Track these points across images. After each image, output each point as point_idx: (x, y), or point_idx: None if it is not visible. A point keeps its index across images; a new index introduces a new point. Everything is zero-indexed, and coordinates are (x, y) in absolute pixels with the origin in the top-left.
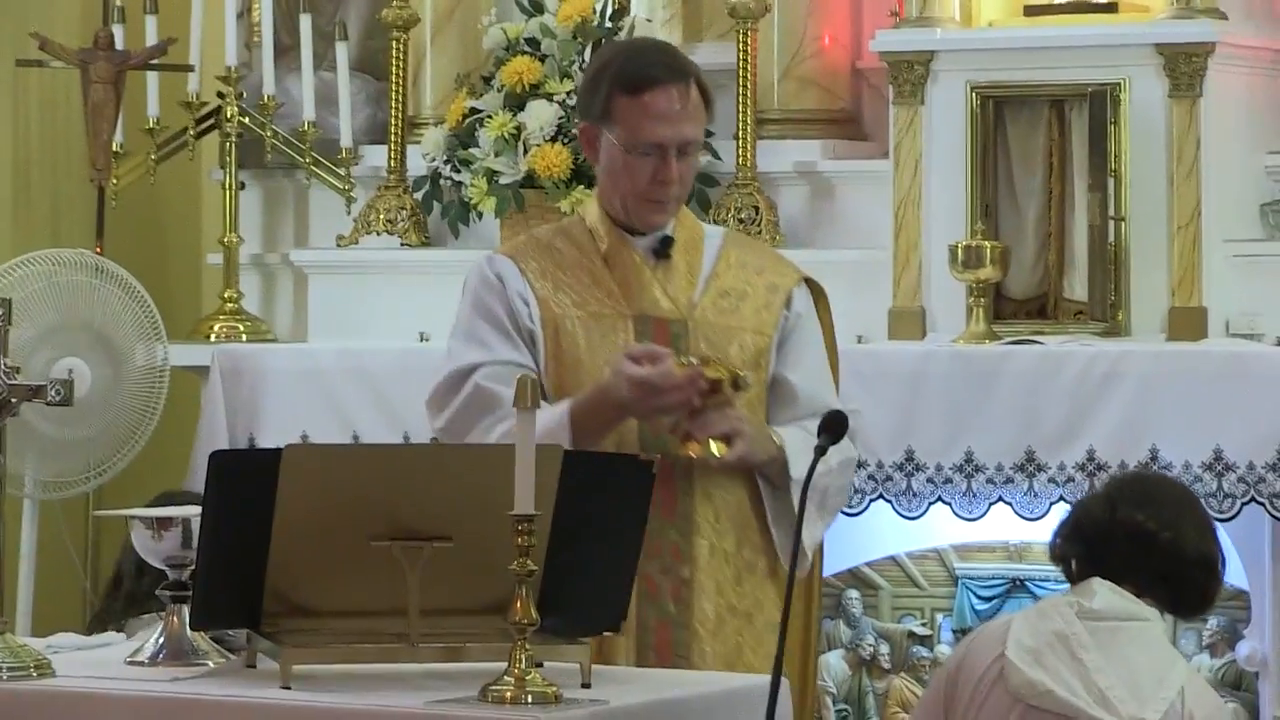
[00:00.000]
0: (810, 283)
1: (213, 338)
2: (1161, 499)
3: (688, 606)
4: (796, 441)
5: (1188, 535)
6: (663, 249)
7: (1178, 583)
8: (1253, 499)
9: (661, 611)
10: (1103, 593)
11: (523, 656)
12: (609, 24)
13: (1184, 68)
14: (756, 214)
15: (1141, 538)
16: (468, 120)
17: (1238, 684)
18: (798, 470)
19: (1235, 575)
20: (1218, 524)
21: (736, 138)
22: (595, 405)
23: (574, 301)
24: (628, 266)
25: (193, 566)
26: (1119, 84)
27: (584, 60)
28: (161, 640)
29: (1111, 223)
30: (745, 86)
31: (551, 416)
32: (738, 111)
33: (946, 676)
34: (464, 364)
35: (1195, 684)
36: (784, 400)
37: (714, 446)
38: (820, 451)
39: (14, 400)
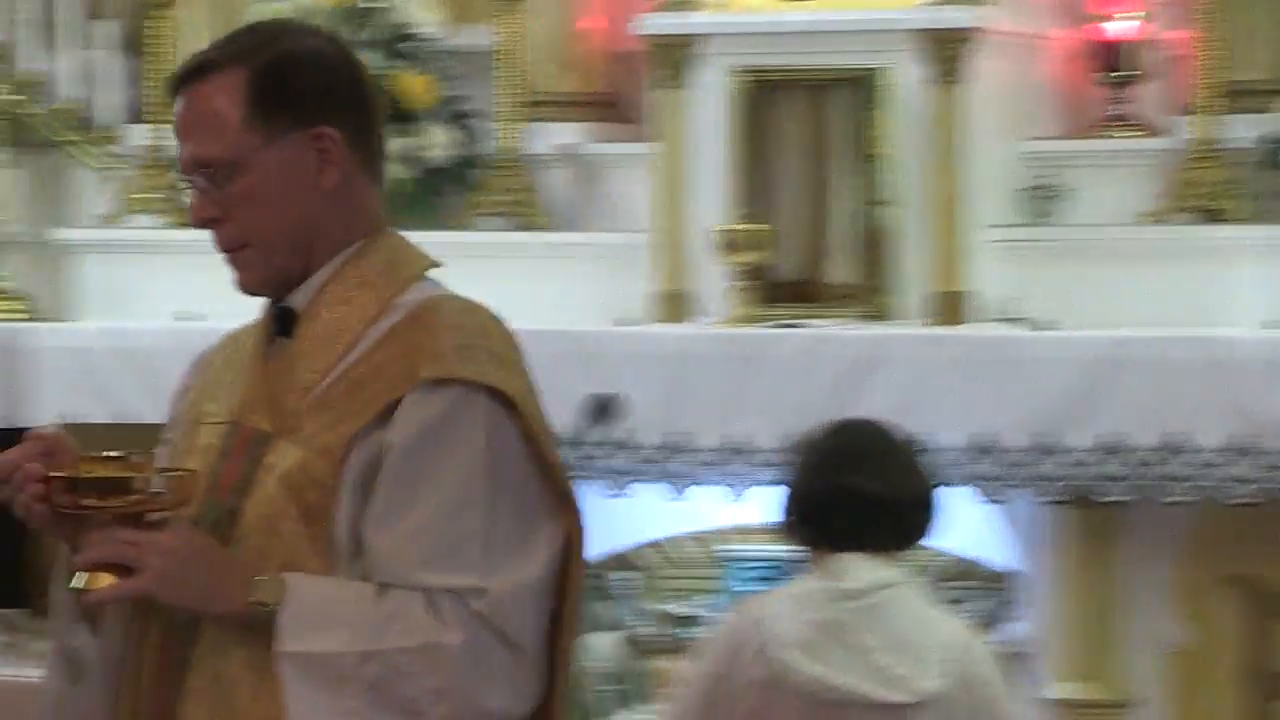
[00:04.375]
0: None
1: None
2: (861, 452)
3: None
4: (328, 598)
5: (897, 481)
6: (281, 326)
7: (906, 529)
8: (1019, 482)
9: None
10: (852, 570)
11: None
12: (372, 4)
13: (944, 54)
14: (518, 197)
15: (859, 502)
16: None
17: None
18: (294, 640)
19: (1005, 557)
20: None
21: (498, 120)
22: None
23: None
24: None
25: None
26: (881, 70)
27: (349, 40)
28: None
29: (874, 207)
30: (508, 69)
31: None
32: (500, 94)
33: (709, 677)
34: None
35: (964, 637)
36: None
37: (87, 579)
38: (586, 431)
39: None
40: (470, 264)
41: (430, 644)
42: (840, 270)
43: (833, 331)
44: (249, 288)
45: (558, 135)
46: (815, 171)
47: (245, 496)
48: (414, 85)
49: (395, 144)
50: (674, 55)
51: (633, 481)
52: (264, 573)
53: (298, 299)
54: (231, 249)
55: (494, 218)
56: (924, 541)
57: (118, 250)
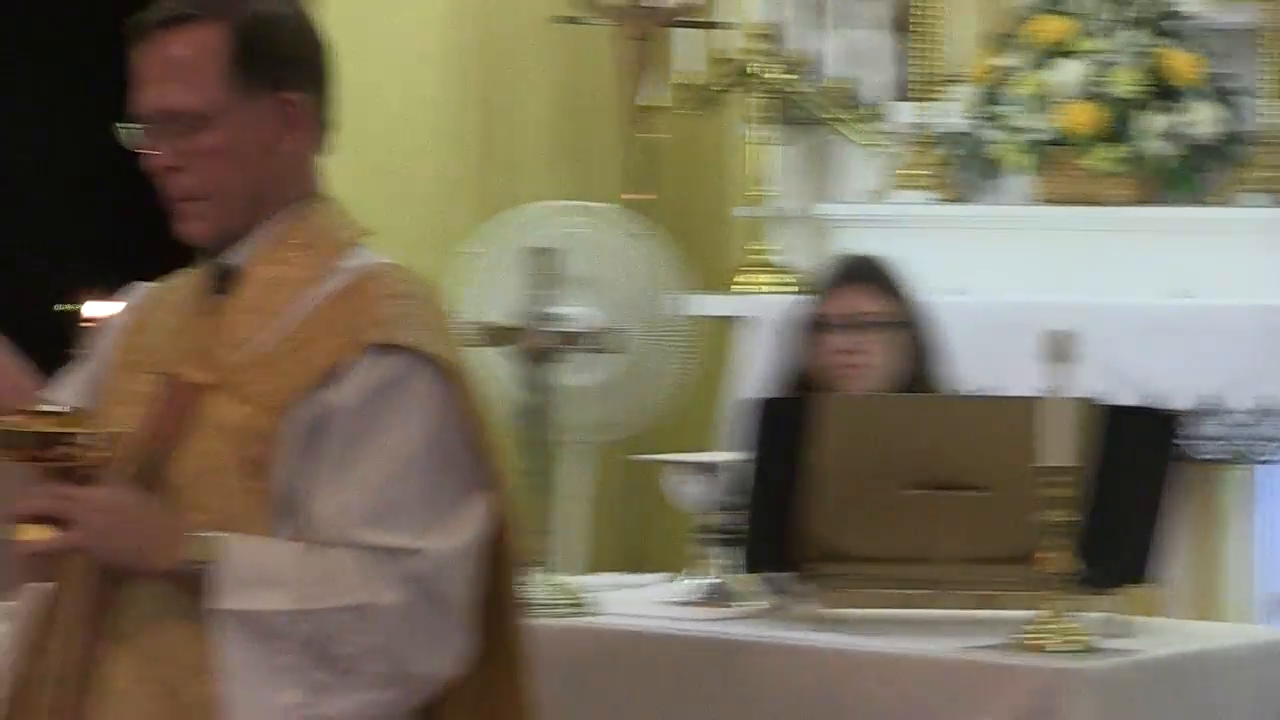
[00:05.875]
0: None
1: (734, 289)
2: None
3: None
4: (263, 556)
5: None
6: (220, 284)
7: None
8: None
9: None
10: None
11: (1057, 605)
12: None
13: None
14: None
15: None
16: (995, 77)
17: None
18: (230, 598)
19: None
20: None
21: (1262, 97)
22: None
23: None
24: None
25: (730, 511)
26: None
27: (1110, 19)
28: (701, 582)
29: None
30: (1272, 46)
31: None
32: (1264, 71)
33: None
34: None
35: None
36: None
37: (21, 530)
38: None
39: (562, 346)
40: (1233, 240)
41: (365, 603)
42: None
43: None
44: (198, 239)
45: None
46: None
47: (178, 448)
48: (1179, 62)
49: (1160, 120)
50: None
51: None
52: (199, 529)
53: (237, 257)
54: (185, 199)
55: (1257, 194)
56: None
57: (883, 225)
